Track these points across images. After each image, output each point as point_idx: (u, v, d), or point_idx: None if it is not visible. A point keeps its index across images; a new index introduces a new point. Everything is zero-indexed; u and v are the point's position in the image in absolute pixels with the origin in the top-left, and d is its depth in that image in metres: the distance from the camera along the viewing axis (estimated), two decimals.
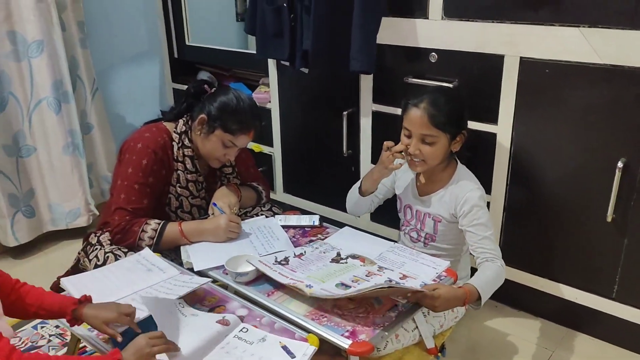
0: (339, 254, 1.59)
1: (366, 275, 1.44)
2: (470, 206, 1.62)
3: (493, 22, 1.72)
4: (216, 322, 1.30)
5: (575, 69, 1.61)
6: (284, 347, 1.22)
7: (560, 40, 1.61)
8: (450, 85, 1.83)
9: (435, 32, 1.84)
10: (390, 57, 1.99)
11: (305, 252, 1.62)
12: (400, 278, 1.43)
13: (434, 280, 1.51)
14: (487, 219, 1.62)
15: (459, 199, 1.65)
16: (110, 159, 2.71)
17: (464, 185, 1.67)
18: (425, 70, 1.91)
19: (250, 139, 1.87)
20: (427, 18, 1.84)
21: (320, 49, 1.94)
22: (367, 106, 2.12)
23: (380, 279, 1.43)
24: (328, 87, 2.25)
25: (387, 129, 2.09)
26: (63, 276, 2.02)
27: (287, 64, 2.16)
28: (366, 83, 2.09)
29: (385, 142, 1.66)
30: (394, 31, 1.93)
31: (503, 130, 1.81)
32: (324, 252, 1.62)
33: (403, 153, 1.65)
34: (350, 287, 1.37)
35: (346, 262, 1.53)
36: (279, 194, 2.61)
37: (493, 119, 1.81)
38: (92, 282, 1.51)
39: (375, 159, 2.19)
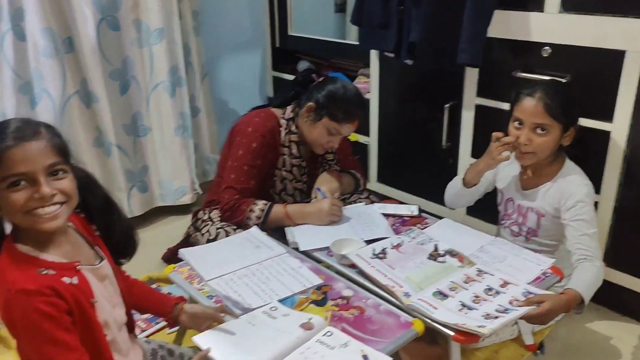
0: (436, 248, 1.61)
1: (464, 282, 1.43)
2: (575, 201, 1.59)
3: (615, 16, 1.65)
4: (299, 325, 1.27)
5: None
6: (364, 357, 1.18)
7: None
8: (563, 81, 1.79)
9: (551, 25, 1.80)
10: (498, 51, 1.97)
11: (402, 242, 1.65)
12: (500, 285, 1.41)
13: (538, 277, 1.50)
14: (591, 216, 1.58)
15: (565, 193, 1.62)
16: (213, 142, 2.87)
17: (571, 179, 1.63)
18: (536, 64, 1.87)
19: (354, 127, 1.92)
20: (543, 11, 1.80)
21: (428, 41, 1.95)
22: (471, 99, 2.11)
23: (479, 285, 1.42)
24: (431, 79, 2.25)
25: (489, 123, 2.06)
26: (173, 248, 2.19)
27: (392, 55, 2.18)
28: (471, 76, 2.08)
29: (494, 133, 1.65)
30: (504, 24, 1.90)
31: (618, 128, 1.74)
32: (421, 244, 1.64)
33: (511, 145, 1.64)
34: (447, 296, 1.37)
35: (444, 262, 1.54)
36: (372, 183, 2.66)
37: (607, 117, 1.75)
38: (207, 254, 1.62)
39: (475, 152, 2.18)
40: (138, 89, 2.48)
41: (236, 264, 1.56)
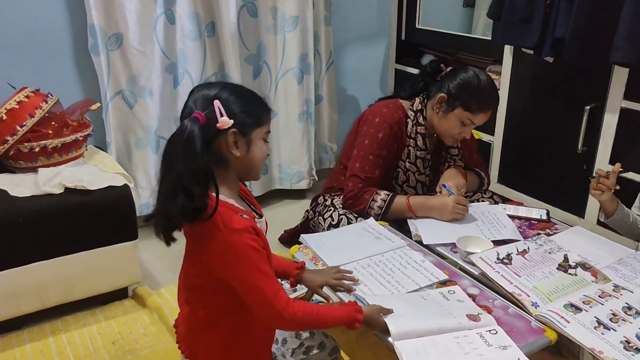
0: (566, 258, 1.51)
1: (599, 297, 1.34)
2: None
3: None
4: (466, 315, 1.27)
5: None
6: None
7: None
8: None
9: None
10: None
11: (529, 248, 1.57)
12: None
13: None
14: None
15: None
16: (333, 130, 2.91)
17: None
18: None
19: (488, 117, 1.86)
20: None
21: (578, 37, 1.84)
22: (616, 102, 1.96)
23: (617, 302, 1.32)
24: (571, 78, 2.12)
25: (636, 129, 1.92)
26: (292, 230, 2.27)
27: (531, 51, 2.09)
28: (619, 76, 1.93)
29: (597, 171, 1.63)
30: None
31: None
32: (549, 252, 1.56)
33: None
34: (581, 309, 1.29)
35: (575, 274, 1.45)
36: (493, 184, 2.56)
37: None
38: (328, 241, 1.65)
39: (614, 159, 2.03)
40: (268, 74, 2.58)
41: (359, 252, 1.58)
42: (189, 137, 1.04)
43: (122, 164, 2.34)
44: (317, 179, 2.81)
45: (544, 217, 1.84)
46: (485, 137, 2.55)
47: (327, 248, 1.61)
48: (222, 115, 1.08)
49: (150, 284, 2.09)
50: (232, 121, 1.08)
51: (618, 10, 1.73)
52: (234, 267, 1.09)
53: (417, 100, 1.97)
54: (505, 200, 2.36)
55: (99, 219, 1.83)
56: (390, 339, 1.19)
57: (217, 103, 1.08)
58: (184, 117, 1.10)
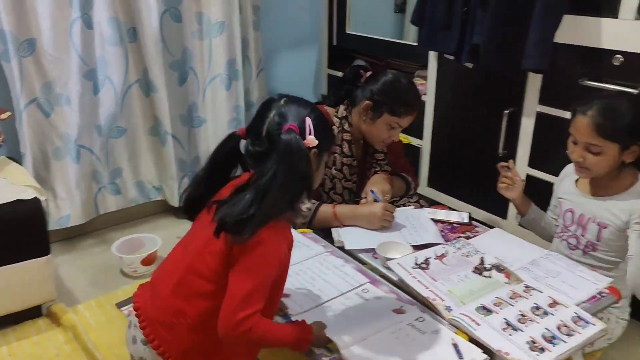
0: (482, 261, 1.55)
1: (510, 298, 1.38)
2: None
3: None
4: (392, 310, 1.34)
5: None
6: (455, 345, 1.21)
7: None
8: (635, 91, 1.69)
9: (625, 32, 1.70)
10: (565, 57, 1.88)
11: (447, 252, 1.60)
12: (549, 305, 1.35)
13: (594, 297, 1.43)
14: None
15: (636, 208, 1.55)
16: None
17: None
18: (606, 73, 1.78)
19: (414, 117, 1.89)
20: (617, 17, 1.71)
21: (492, 44, 1.89)
22: (532, 106, 2.03)
23: (526, 303, 1.36)
24: (490, 83, 2.18)
25: (550, 132, 1.99)
26: None
27: (452, 57, 2.13)
28: (534, 82, 2.00)
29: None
30: (574, 30, 1.82)
31: None
32: (466, 256, 1.58)
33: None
34: (491, 312, 1.32)
35: (489, 277, 1.48)
36: (422, 188, 2.60)
37: None
38: None
39: (533, 161, 2.10)
40: (195, 81, 2.53)
41: None
42: (302, 147, 1.11)
43: (39, 175, 2.23)
44: None
45: (466, 220, 1.87)
46: (414, 141, 2.59)
47: None
48: (310, 134, 1.13)
49: (67, 300, 2.00)
50: (317, 141, 1.14)
51: (529, 19, 1.78)
52: (248, 258, 1.09)
53: (342, 107, 1.97)
54: (433, 203, 2.41)
55: (6, 234, 1.73)
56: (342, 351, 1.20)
57: (308, 121, 1.14)
58: (267, 123, 1.13)
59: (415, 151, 2.59)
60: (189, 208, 1.25)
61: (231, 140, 1.22)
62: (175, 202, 2.60)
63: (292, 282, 1.47)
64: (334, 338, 1.22)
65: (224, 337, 1.10)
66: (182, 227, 2.62)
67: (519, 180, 1.79)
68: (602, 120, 1.50)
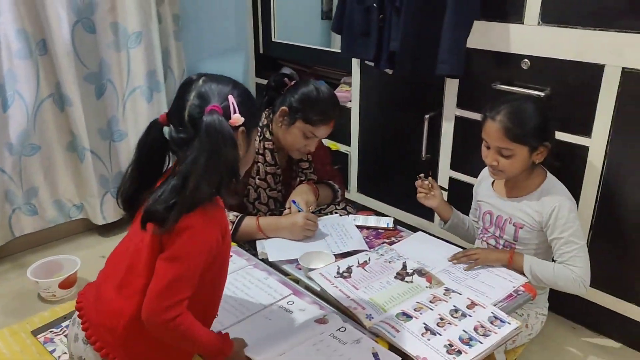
0: (404, 266, 1.56)
1: (430, 302, 1.39)
2: (560, 217, 1.58)
3: (595, 29, 1.63)
4: (315, 321, 1.32)
5: None
6: (375, 354, 1.20)
7: None
8: (542, 94, 1.76)
9: (530, 38, 1.77)
10: (478, 62, 1.94)
11: (369, 259, 1.60)
12: (467, 306, 1.37)
13: (510, 295, 1.46)
14: (575, 230, 1.58)
15: (547, 208, 1.61)
16: None
17: (555, 194, 1.62)
18: (515, 77, 1.85)
19: (331, 129, 1.88)
20: (522, 23, 1.77)
21: (408, 50, 1.92)
22: (451, 111, 2.08)
23: (445, 306, 1.38)
24: (411, 89, 2.22)
25: (470, 135, 2.04)
26: None
27: (372, 64, 2.15)
28: (451, 87, 2.04)
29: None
30: (484, 35, 1.87)
31: (597, 144, 1.71)
32: (389, 262, 1.59)
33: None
34: (411, 317, 1.33)
35: (411, 282, 1.49)
36: (353, 194, 2.62)
37: (586, 132, 1.72)
38: None
39: (455, 164, 2.15)
40: (114, 93, 2.43)
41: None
42: (226, 128, 1.04)
43: None
44: None
45: (391, 225, 1.89)
46: (342, 147, 2.60)
47: None
48: (235, 112, 1.08)
49: None
50: (243, 119, 1.08)
51: (441, 25, 1.82)
52: (175, 245, 1.04)
53: (263, 115, 1.94)
54: (362, 209, 2.42)
55: None
56: None
57: (231, 99, 1.08)
58: (188, 107, 1.07)
59: (343, 157, 2.60)
60: (127, 205, 1.18)
61: (153, 129, 1.14)
62: (98, 219, 2.50)
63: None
64: (253, 356, 1.18)
65: (148, 325, 1.05)
66: (106, 245, 2.52)
67: (436, 190, 1.82)
68: (510, 125, 1.54)
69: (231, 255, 1.49)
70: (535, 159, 1.60)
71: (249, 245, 1.81)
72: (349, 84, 2.51)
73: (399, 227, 1.89)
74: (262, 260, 1.67)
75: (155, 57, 2.46)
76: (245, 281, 1.51)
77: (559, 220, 1.59)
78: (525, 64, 1.81)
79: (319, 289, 1.49)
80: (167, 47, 2.56)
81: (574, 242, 1.57)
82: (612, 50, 1.60)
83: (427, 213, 2.27)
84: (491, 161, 1.61)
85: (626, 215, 1.71)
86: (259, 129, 1.91)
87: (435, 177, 2.22)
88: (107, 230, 2.60)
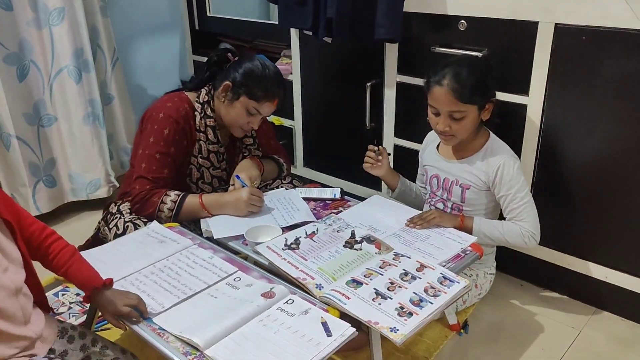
0: (353, 234, 1.54)
1: (380, 267, 1.38)
2: (505, 175, 1.61)
3: None
4: (261, 295, 1.28)
5: (614, 36, 1.53)
6: (324, 324, 1.18)
7: (600, 5, 1.52)
8: (480, 54, 1.76)
9: None
10: (416, 26, 1.92)
11: (317, 230, 1.57)
12: (417, 269, 1.37)
13: (458, 255, 1.47)
14: (521, 185, 1.61)
15: (492, 167, 1.63)
16: (130, 131, 2.70)
17: (498, 153, 1.65)
18: (453, 39, 1.84)
19: (275, 107, 1.83)
20: None
21: (344, 17, 1.88)
22: (392, 77, 2.06)
23: (395, 270, 1.37)
24: (351, 57, 2.18)
25: (412, 101, 2.03)
26: (83, 245, 2.03)
27: (310, 33, 2.10)
28: (391, 53, 2.02)
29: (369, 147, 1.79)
30: None
31: (534, 102, 1.73)
32: (337, 231, 1.57)
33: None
34: (362, 283, 1.31)
35: (360, 249, 1.48)
36: (299, 168, 2.58)
37: (524, 90, 1.73)
38: (106, 256, 1.49)
39: (399, 132, 2.14)
40: (39, 75, 2.27)
41: (140, 262, 1.45)
42: None
43: None
44: (117, 184, 2.58)
45: (338, 195, 1.87)
46: (286, 122, 2.55)
47: (104, 264, 1.44)
48: None
49: None
50: None
51: None
52: None
53: (204, 91, 1.87)
54: (309, 182, 2.38)
55: None
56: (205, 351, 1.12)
57: None
58: None
59: (288, 132, 2.55)
60: None
61: None
62: (30, 210, 2.35)
63: (155, 279, 1.37)
64: (195, 338, 1.13)
65: None
66: None
67: (384, 159, 1.80)
68: (458, 87, 1.54)
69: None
70: (483, 116, 1.62)
71: (194, 225, 1.75)
72: (290, 57, 2.45)
73: (346, 197, 1.87)
74: (207, 238, 1.62)
75: (81, 34, 2.31)
76: (189, 261, 1.46)
77: (504, 177, 1.61)
78: (463, 25, 1.80)
79: (267, 263, 1.46)
80: (94, 24, 2.41)
81: (520, 197, 1.60)
82: (544, 7, 1.61)
83: (374, 182, 2.26)
84: (443, 127, 1.60)
85: (565, 169, 1.75)
86: (200, 106, 1.83)
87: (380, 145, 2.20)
88: (42, 221, 2.44)
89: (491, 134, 1.69)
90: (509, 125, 1.76)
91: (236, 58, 1.86)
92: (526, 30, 1.67)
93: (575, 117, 1.68)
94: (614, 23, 1.52)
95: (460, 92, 1.54)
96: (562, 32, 1.61)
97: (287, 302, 1.27)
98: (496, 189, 1.64)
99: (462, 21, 1.79)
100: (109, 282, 1.27)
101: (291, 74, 2.42)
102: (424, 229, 1.59)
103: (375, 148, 1.79)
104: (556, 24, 1.61)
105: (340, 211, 1.75)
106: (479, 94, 1.57)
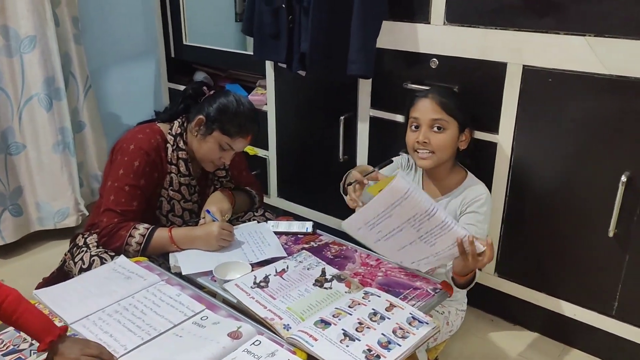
0: (323, 272, 1.53)
1: (349, 307, 1.36)
2: (480, 207, 1.62)
3: (496, 28, 1.67)
4: (227, 334, 1.25)
5: (579, 79, 1.57)
6: None
7: (565, 49, 1.57)
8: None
9: (437, 37, 1.79)
10: (389, 62, 1.94)
11: (287, 267, 1.56)
12: (386, 308, 1.35)
13: (428, 294, 1.47)
14: (485, 218, 1.62)
15: (470, 196, 1.64)
16: (102, 158, 2.66)
17: (478, 189, 1.66)
18: (425, 76, 1.87)
19: (248, 143, 1.83)
20: (429, 23, 1.79)
21: (318, 52, 1.89)
22: (365, 111, 2.07)
23: (364, 310, 1.35)
24: (325, 90, 2.20)
25: (384, 135, 2.05)
26: (48, 278, 1.98)
27: (284, 66, 2.11)
28: (364, 88, 2.04)
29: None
30: (394, 35, 1.88)
31: (504, 140, 1.76)
32: (307, 269, 1.56)
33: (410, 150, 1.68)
34: (329, 323, 1.29)
35: (330, 287, 1.46)
36: (273, 199, 2.56)
37: (494, 128, 1.76)
38: (69, 293, 1.44)
39: (372, 164, 2.13)
40: (8, 102, 2.24)
41: (104, 300, 1.40)
42: None
43: None
44: (87, 213, 2.53)
45: (310, 229, 1.85)
46: (260, 152, 2.54)
47: (66, 302, 1.40)
48: None
49: None
50: None
51: (350, 26, 1.81)
52: None
53: (177, 123, 1.85)
54: (283, 214, 2.37)
55: None
56: None
57: None
58: None
59: (262, 162, 2.54)
60: None
61: None
62: None
63: (119, 319, 1.33)
64: None
65: None
66: (7, 267, 2.32)
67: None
68: (444, 99, 1.61)
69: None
70: (461, 145, 1.65)
71: (163, 258, 1.72)
72: (265, 87, 2.46)
73: (318, 231, 1.86)
74: (175, 274, 1.59)
75: (53, 62, 2.29)
76: (155, 299, 1.42)
77: (479, 208, 1.61)
78: (434, 63, 1.83)
79: (235, 302, 1.43)
80: (66, 51, 2.39)
81: (480, 221, 1.61)
82: (513, 49, 1.65)
83: (346, 215, 2.25)
84: (423, 138, 1.60)
85: (534, 206, 1.77)
86: (172, 138, 1.82)
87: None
88: (7, 251, 2.39)
89: (469, 173, 1.70)
90: (480, 163, 1.78)
91: (212, 92, 1.86)
92: (496, 70, 1.70)
93: (543, 155, 1.71)
94: (579, 67, 1.56)
95: (445, 103, 1.60)
96: (530, 74, 1.65)
97: (253, 343, 1.24)
98: (465, 216, 1.62)
99: (434, 59, 1.82)
100: (64, 331, 1.20)
101: (266, 104, 2.43)
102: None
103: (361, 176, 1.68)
104: (524, 66, 1.65)
105: (312, 246, 1.73)
106: (461, 112, 1.62)
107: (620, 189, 1.56)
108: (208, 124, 1.77)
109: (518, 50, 1.64)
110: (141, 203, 1.76)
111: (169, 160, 1.82)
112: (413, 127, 1.64)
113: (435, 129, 1.60)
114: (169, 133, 1.83)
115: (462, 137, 1.64)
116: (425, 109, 1.60)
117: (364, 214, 1.35)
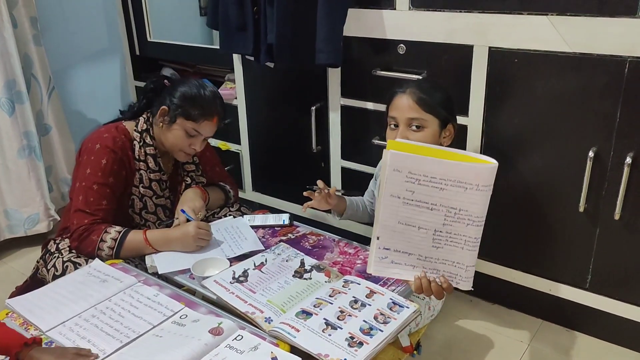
0: (302, 263, 1.53)
1: (329, 296, 1.37)
2: None
3: (461, 11, 1.68)
4: (208, 331, 1.24)
5: (544, 58, 1.59)
6: (274, 359, 1.16)
7: (529, 29, 1.58)
8: (420, 77, 1.79)
9: (403, 22, 1.79)
10: (357, 50, 1.94)
11: (266, 260, 1.55)
12: (366, 295, 1.36)
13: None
14: None
15: None
16: (70, 161, 2.60)
17: None
18: (394, 62, 1.87)
19: (215, 126, 1.80)
20: (395, 8, 1.79)
21: (285, 42, 1.88)
22: (336, 100, 2.07)
23: (345, 298, 1.36)
24: (295, 81, 2.18)
25: (356, 124, 2.05)
26: (21, 286, 1.93)
27: (252, 58, 2.09)
28: (334, 77, 2.03)
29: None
30: (360, 22, 1.88)
31: (474, 122, 1.77)
32: (286, 261, 1.56)
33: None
34: (311, 314, 1.29)
35: (310, 278, 1.47)
36: (248, 193, 2.55)
37: (464, 111, 1.77)
38: (43, 300, 1.42)
39: (345, 154, 2.14)
40: None
41: (80, 305, 1.39)
42: None
43: None
44: (58, 218, 2.47)
45: (287, 221, 1.85)
46: (232, 146, 2.52)
47: (41, 309, 1.37)
48: None
49: None
50: None
51: (316, 15, 1.79)
52: None
53: (142, 119, 1.82)
54: (259, 208, 2.36)
55: None
56: None
57: None
58: None
59: (235, 157, 2.51)
60: None
61: None
62: None
63: (96, 323, 1.31)
64: None
65: None
66: None
67: (332, 197, 1.70)
68: (421, 95, 1.52)
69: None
70: (443, 141, 1.60)
71: (139, 259, 1.70)
72: (233, 81, 2.43)
73: (295, 223, 1.86)
74: (152, 274, 1.57)
75: (13, 65, 2.22)
76: (133, 301, 1.41)
77: None
78: (402, 49, 1.83)
79: (215, 298, 1.42)
80: (26, 53, 2.32)
81: None
82: (478, 31, 1.66)
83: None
84: (401, 138, 1.54)
85: (506, 186, 1.79)
86: (139, 134, 1.79)
87: (328, 169, 2.21)
88: None
89: None
90: (451, 145, 1.79)
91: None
92: (462, 54, 1.71)
93: (513, 135, 1.73)
94: (543, 46, 1.58)
95: (423, 100, 1.51)
96: (496, 55, 1.66)
97: (235, 338, 1.24)
98: None
99: (401, 45, 1.82)
100: (38, 341, 1.18)
101: (236, 98, 2.40)
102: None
103: (313, 187, 1.69)
104: (490, 47, 1.66)
105: (290, 238, 1.73)
106: (442, 107, 1.54)
107: (589, 165, 1.59)
108: (171, 112, 1.75)
109: (483, 32, 1.65)
110: (111, 202, 1.73)
111: (137, 157, 1.79)
112: (392, 126, 1.58)
113: (414, 127, 1.53)
114: (135, 130, 1.81)
115: (444, 133, 1.58)
116: (402, 107, 1.53)
117: (428, 162, 1.18)
